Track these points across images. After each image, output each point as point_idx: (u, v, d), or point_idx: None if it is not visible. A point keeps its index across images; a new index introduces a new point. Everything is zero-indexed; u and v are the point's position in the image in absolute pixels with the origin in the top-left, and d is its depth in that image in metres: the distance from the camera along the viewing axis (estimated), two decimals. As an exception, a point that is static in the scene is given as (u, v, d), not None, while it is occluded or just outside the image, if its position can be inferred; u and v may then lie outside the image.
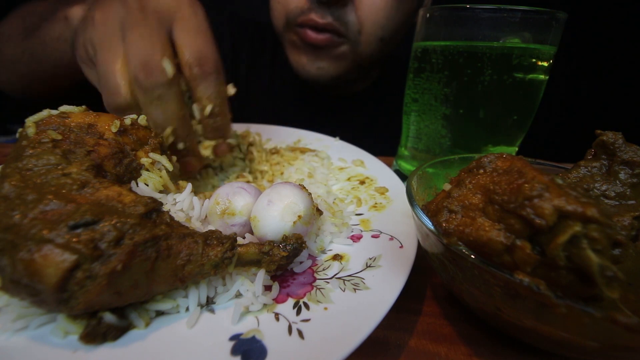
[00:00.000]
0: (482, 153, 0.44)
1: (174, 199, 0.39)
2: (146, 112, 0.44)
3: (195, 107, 0.48)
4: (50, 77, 0.82)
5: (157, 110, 0.43)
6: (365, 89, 1.10)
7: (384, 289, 0.33)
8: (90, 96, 0.55)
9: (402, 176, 0.65)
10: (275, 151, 0.67)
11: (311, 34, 0.82)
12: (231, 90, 0.50)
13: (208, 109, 0.47)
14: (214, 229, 0.37)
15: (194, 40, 0.45)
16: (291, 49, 0.92)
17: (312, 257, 0.40)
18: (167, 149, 0.46)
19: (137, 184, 0.37)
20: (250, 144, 0.65)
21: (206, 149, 0.64)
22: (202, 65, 0.45)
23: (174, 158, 0.45)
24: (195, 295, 0.32)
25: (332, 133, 0.78)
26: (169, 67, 0.42)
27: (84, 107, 0.40)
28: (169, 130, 0.45)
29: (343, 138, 0.76)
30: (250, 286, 0.33)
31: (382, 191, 0.53)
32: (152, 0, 0.44)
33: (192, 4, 0.47)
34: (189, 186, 0.40)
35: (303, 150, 0.67)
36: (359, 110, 1.10)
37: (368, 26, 0.82)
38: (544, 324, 0.26)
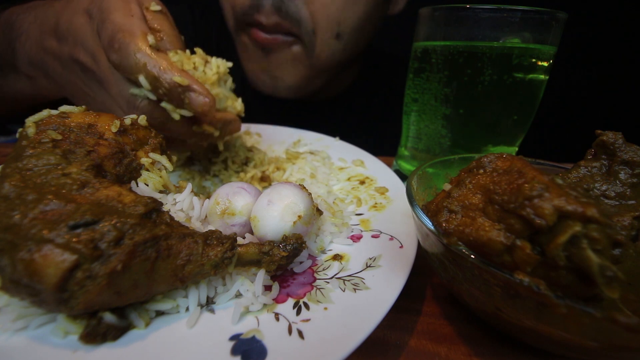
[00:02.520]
0: (482, 153, 0.44)
1: (174, 199, 0.39)
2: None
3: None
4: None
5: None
6: (343, 92, 1.03)
7: (384, 289, 0.33)
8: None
9: (402, 176, 0.65)
10: (273, 160, 0.66)
11: (260, 34, 0.76)
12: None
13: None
14: (214, 229, 0.37)
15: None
16: (244, 55, 0.85)
17: (312, 257, 0.40)
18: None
19: (137, 184, 0.37)
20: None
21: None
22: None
23: (174, 159, 0.45)
24: (195, 295, 0.32)
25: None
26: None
27: (84, 107, 0.40)
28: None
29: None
30: (250, 286, 0.33)
31: (382, 191, 0.53)
32: None
33: None
34: (189, 186, 0.40)
35: (296, 156, 0.66)
36: (338, 114, 1.05)
37: (321, 21, 0.74)
38: (544, 324, 0.26)
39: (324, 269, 0.37)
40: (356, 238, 0.42)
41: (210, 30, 1.01)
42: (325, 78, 0.87)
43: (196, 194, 0.41)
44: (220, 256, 0.31)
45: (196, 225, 0.38)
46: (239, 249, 0.33)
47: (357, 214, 0.48)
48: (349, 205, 0.50)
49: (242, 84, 1.04)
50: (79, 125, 0.37)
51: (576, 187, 0.27)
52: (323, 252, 0.41)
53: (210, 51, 0.54)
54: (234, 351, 0.27)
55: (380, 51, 1.08)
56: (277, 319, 0.30)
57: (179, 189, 0.41)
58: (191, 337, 0.29)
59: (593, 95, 1.70)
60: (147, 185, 0.38)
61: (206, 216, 0.41)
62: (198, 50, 0.51)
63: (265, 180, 0.59)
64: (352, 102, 1.06)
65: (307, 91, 0.88)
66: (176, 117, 0.45)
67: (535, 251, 0.26)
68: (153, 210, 0.31)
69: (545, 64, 0.54)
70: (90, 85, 0.48)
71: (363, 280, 0.35)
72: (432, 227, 0.31)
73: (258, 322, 0.30)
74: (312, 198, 0.40)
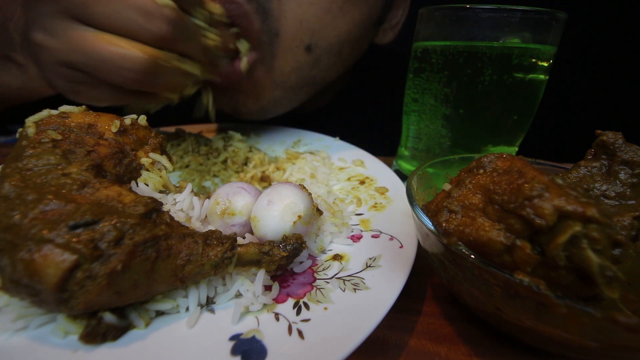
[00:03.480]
0: (482, 153, 0.44)
1: (174, 199, 0.39)
2: (183, 50, 0.45)
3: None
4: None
5: (191, 44, 0.45)
6: (337, 95, 0.98)
7: (384, 289, 0.33)
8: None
9: (402, 176, 0.65)
10: (273, 160, 0.66)
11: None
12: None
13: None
14: (214, 229, 0.37)
15: None
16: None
17: (312, 257, 0.40)
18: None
19: (137, 184, 0.37)
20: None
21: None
22: None
23: (173, 158, 0.45)
24: (195, 295, 0.32)
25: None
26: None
27: (84, 107, 0.40)
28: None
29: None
30: (250, 286, 0.33)
31: (382, 191, 0.53)
32: None
33: None
34: (189, 186, 0.40)
35: (296, 156, 0.66)
36: (337, 114, 1.00)
37: (290, 24, 0.60)
38: (544, 324, 0.26)
39: (324, 269, 0.37)
40: (356, 238, 0.42)
41: None
42: (294, 100, 0.73)
43: (196, 194, 0.41)
44: (220, 256, 0.31)
45: (196, 225, 0.38)
46: (239, 249, 0.33)
47: (357, 214, 0.48)
48: (349, 205, 0.50)
49: None
50: (79, 125, 0.37)
51: (576, 187, 0.27)
52: (323, 252, 0.41)
53: None
54: (234, 351, 0.27)
55: (378, 47, 1.07)
56: (277, 319, 0.30)
57: (179, 189, 0.41)
58: (191, 337, 0.29)
59: (593, 95, 1.70)
60: (147, 185, 0.38)
61: (206, 216, 0.41)
62: None
63: (265, 180, 0.59)
64: (352, 102, 1.06)
65: (273, 114, 0.74)
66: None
67: (535, 251, 0.26)
68: (153, 210, 0.31)
69: (545, 64, 0.54)
70: None
71: (363, 280, 0.35)
72: (432, 227, 0.31)
73: (258, 322, 0.30)
74: (312, 198, 0.40)
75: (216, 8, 0.54)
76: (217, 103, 0.68)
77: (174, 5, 0.43)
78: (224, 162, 0.63)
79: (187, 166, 0.63)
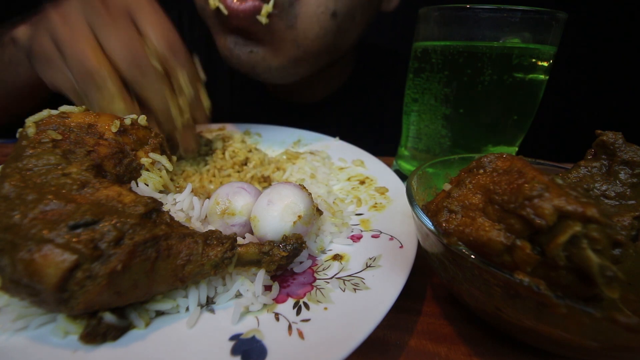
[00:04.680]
0: (482, 153, 0.44)
1: (174, 199, 0.39)
2: (145, 97, 0.46)
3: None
4: (10, 103, 0.77)
5: (157, 97, 0.46)
6: (340, 90, 0.97)
7: (384, 289, 0.33)
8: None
9: (402, 176, 0.65)
10: (273, 160, 0.66)
11: (230, 2, 0.61)
12: (202, 75, 0.53)
13: (192, 93, 0.50)
14: (214, 229, 0.37)
15: (161, 32, 0.46)
16: (216, 31, 0.72)
17: (312, 257, 0.40)
18: (169, 140, 0.48)
19: (137, 184, 0.37)
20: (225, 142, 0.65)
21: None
22: (176, 55, 0.47)
23: (174, 159, 0.45)
24: (195, 295, 0.32)
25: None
26: (158, 65, 0.45)
27: (83, 107, 0.40)
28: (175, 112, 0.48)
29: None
30: (250, 286, 0.33)
31: (382, 191, 0.53)
32: None
33: None
34: (189, 186, 0.40)
35: (296, 156, 0.66)
36: (337, 114, 0.99)
37: None
38: (544, 324, 0.26)
39: (324, 269, 0.37)
40: (356, 238, 0.42)
41: (201, 32, 0.97)
42: (313, 64, 0.75)
43: (196, 194, 0.41)
44: (220, 256, 0.31)
45: (196, 225, 0.38)
46: (239, 249, 0.33)
47: (357, 214, 0.48)
48: (349, 205, 0.50)
49: (230, 83, 1.02)
50: (79, 125, 0.37)
51: (576, 187, 0.27)
52: (323, 252, 0.41)
53: (200, 53, 0.55)
54: (234, 351, 0.27)
55: (377, 46, 1.06)
56: (277, 319, 0.30)
57: (179, 189, 0.41)
58: (191, 337, 0.29)
59: (593, 95, 1.70)
60: (147, 185, 0.38)
61: (206, 216, 0.41)
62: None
63: (265, 180, 0.59)
64: (351, 101, 1.06)
65: (292, 77, 0.75)
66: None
67: (535, 251, 0.26)
68: (153, 210, 0.31)
69: (545, 64, 0.54)
70: None
71: (363, 280, 0.35)
72: (432, 227, 0.31)
73: (258, 322, 0.30)
74: (312, 198, 0.40)
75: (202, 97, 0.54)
76: (235, 53, 0.69)
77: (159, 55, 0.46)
78: (224, 162, 0.63)
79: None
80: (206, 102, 0.54)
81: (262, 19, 0.61)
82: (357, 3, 0.69)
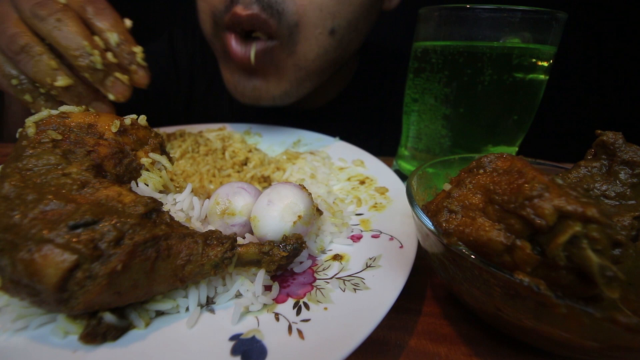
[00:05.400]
0: (482, 153, 0.44)
1: (174, 199, 0.39)
2: (51, 39, 0.46)
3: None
4: None
5: (61, 32, 0.46)
6: (341, 92, 0.98)
7: (384, 289, 0.33)
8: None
9: (402, 176, 0.65)
10: (273, 160, 0.66)
11: (234, 46, 0.65)
12: (128, 22, 0.53)
13: (115, 37, 0.50)
14: (214, 229, 0.37)
15: None
16: (223, 64, 0.75)
17: (312, 257, 0.40)
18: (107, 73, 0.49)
19: (137, 184, 0.37)
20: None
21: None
22: (94, 3, 0.49)
23: (173, 158, 0.45)
24: (195, 295, 0.32)
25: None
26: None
27: (83, 107, 0.40)
28: (89, 48, 0.47)
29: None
30: (250, 286, 0.33)
31: (382, 191, 0.53)
32: None
33: None
34: (189, 186, 0.40)
35: (296, 156, 0.66)
36: (337, 114, 0.99)
37: (312, 14, 0.63)
38: (544, 324, 0.26)
39: (324, 269, 0.37)
40: (356, 238, 0.42)
41: (193, 56, 0.96)
42: (316, 80, 0.77)
43: (196, 194, 0.41)
44: (220, 256, 0.31)
45: (196, 225, 0.38)
46: (239, 249, 0.33)
47: (357, 214, 0.48)
48: (349, 205, 0.50)
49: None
50: (79, 125, 0.37)
51: (576, 187, 0.27)
52: (323, 252, 0.41)
53: (197, 76, 0.55)
54: (234, 351, 0.27)
55: (378, 46, 1.06)
56: (277, 319, 0.30)
57: (179, 189, 0.41)
58: (191, 337, 0.29)
59: (593, 95, 1.70)
60: (147, 185, 0.38)
61: (206, 216, 0.41)
62: None
63: (265, 180, 0.59)
64: (352, 102, 1.06)
65: (296, 97, 0.77)
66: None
67: (535, 251, 0.26)
68: (153, 210, 0.31)
69: (545, 64, 0.54)
70: None
71: (363, 280, 0.35)
72: (432, 227, 0.31)
73: (258, 322, 0.30)
74: (312, 198, 0.40)
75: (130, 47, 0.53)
76: (239, 89, 0.73)
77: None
78: (224, 162, 0.63)
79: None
80: (137, 48, 0.53)
81: (252, 58, 0.66)
82: (359, 13, 0.69)
